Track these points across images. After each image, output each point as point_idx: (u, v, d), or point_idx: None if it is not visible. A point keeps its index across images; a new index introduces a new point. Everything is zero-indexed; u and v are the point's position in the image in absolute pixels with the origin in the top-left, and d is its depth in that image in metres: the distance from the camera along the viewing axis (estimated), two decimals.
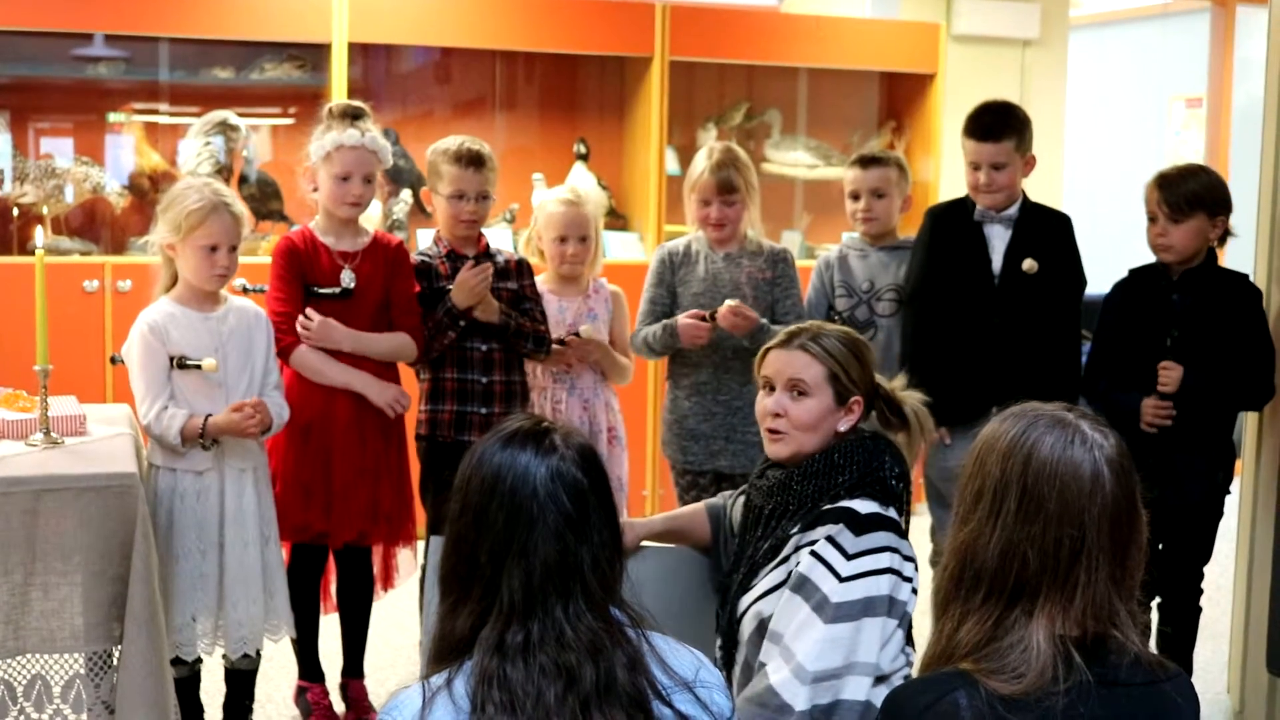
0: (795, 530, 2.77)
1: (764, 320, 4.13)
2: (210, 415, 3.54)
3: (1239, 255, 4.29)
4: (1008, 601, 1.91)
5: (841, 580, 2.64)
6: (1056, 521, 1.90)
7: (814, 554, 2.68)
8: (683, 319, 4.17)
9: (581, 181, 6.15)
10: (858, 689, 2.61)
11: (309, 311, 3.85)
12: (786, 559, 2.76)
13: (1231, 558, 4.55)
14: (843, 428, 2.84)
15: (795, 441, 2.84)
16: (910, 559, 2.73)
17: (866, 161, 4.48)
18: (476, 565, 1.92)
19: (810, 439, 2.83)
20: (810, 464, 2.82)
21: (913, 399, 2.96)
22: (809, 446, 2.83)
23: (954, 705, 1.87)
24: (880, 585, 2.65)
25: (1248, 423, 4.35)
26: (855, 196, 4.47)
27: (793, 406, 2.84)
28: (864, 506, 2.72)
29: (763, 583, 2.79)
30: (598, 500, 1.96)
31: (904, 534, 2.76)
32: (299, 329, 3.85)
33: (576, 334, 4.25)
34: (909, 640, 2.76)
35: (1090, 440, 1.93)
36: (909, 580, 2.71)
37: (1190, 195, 3.87)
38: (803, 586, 2.67)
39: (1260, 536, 4.17)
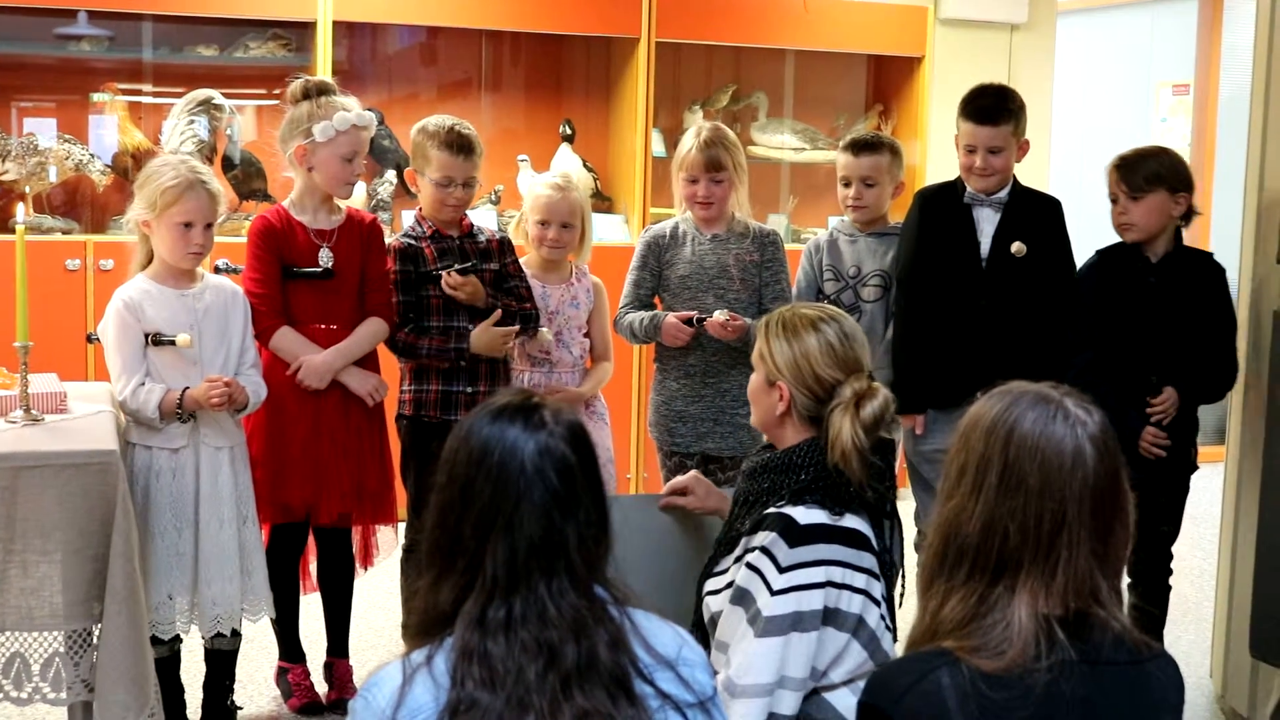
0: (746, 528, 2.76)
1: (751, 322, 4.10)
2: (187, 389, 3.52)
3: (1225, 238, 4.30)
4: (991, 578, 1.91)
5: (773, 593, 2.63)
6: (1038, 496, 1.90)
7: (750, 565, 2.68)
8: (669, 319, 4.16)
9: (567, 163, 6.14)
10: (785, 704, 2.61)
11: (299, 361, 3.85)
12: (740, 557, 2.76)
13: (1215, 543, 4.56)
14: (778, 412, 2.83)
15: (751, 411, 2.95)
16: (864, 570, 2.67)
17: (859, 148, 4.40)
18: (460, 539, 1.91)
19: (755, 413, 2.92)
20: (774, 459, 2.82)
21: (846, 426, 2.73)
22: (755, 420, 2.93)
23: (936, 684, 1.87)
24: (812, 600, 2.62)
25: (1232, 409, 4.36)
26: (846, 183, 4.42)
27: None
28: (806, 516, 2.67)
29: (723, 576, 2.80)
30: (585, 478, 1.94)
31: (863, 542, 2.68)
32: (300, 381, 3.85)
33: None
34: (893, 636, 2.75)
35: (1073, 417, 1.93)
36: (860, 591, 2.66)
37: (1149, 173, 3.96)
38: (742, 599, 2.68)
39: (1244, 521, 4.18)
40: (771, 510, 2.72)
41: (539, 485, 1.90)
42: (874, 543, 2.72)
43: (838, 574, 2.65)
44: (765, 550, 2.66)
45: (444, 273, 4.02)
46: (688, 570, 3.02)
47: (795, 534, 2.65)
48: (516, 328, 4.07)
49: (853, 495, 2.71)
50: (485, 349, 4.03)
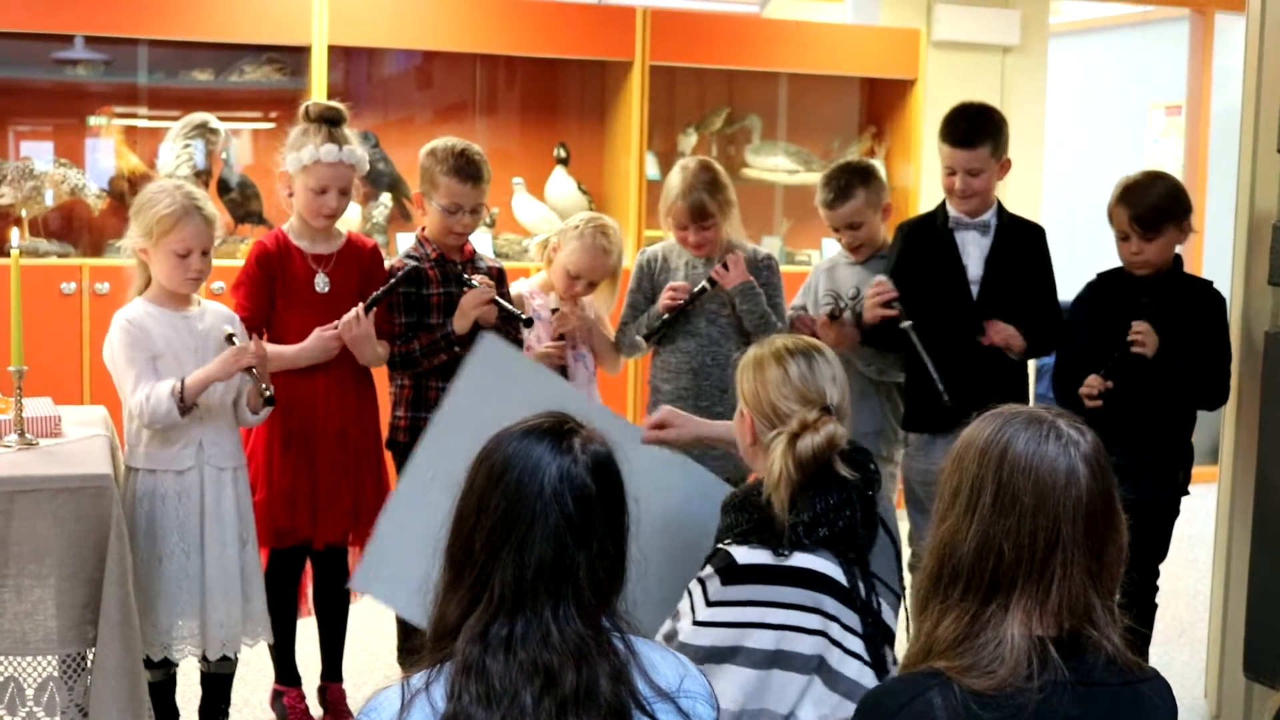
0: (704, 560, 2.76)
1: (752, 279, 4.17)
2: (184, 379, 3.50)
3: (1217, 258, 4.31)
4: (984, 596, 1.92)
5: (694, 623, 2.63)
6: (1031, 515, 1.91)
7: (688, 590, 2.69)
8: (660, 303, 4.23)
9: (561, 186, 6.15)
10: None
11: (355, 312, 3.85)
12: None
13: (1209, 563, 4.57)
14: (747, 441, 2.85)
15: None
16: (820, 611, 2.63)
17: (831, 201, 4.35)
18: (471, 551, 1.92)
19: (738, 443, 2.91)
20: (732, 498, 2.82)
21: (778, 456, 2.72)
22: (740, 450, 2.92)
23: (928, 705, 1.87)
24: (731, 638, 2.61)
25: (1225, 430, 4.37)
26: (835, 229, 4.43)
27: None
28: (747, 555, 2.64)
29: None
30: (604, 510, 1.94)
31: (819, 582, 2.64)
32: (341, 328, 3.84)
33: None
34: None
35: (1066, 437, 1.94)
36: (816, 633, 2.62)
37: (1161, 211, 3.92)
38: (674, 618, 2.69)
39: (1237, 542, 4.19)
40: (721, 546, 2.72)
41: (555, 509, 1.89)
42: (841, 580, 2.66)
43: (777, 615, 2.62)
44: (701, 581, 2.67)
45: (472, 283, 4.03)
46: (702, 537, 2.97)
47: (732, 572, 2.64)
48: (489, 289, 4.02)
49: (794, 539, 2.65)
50: (466, 323, 3.97)
